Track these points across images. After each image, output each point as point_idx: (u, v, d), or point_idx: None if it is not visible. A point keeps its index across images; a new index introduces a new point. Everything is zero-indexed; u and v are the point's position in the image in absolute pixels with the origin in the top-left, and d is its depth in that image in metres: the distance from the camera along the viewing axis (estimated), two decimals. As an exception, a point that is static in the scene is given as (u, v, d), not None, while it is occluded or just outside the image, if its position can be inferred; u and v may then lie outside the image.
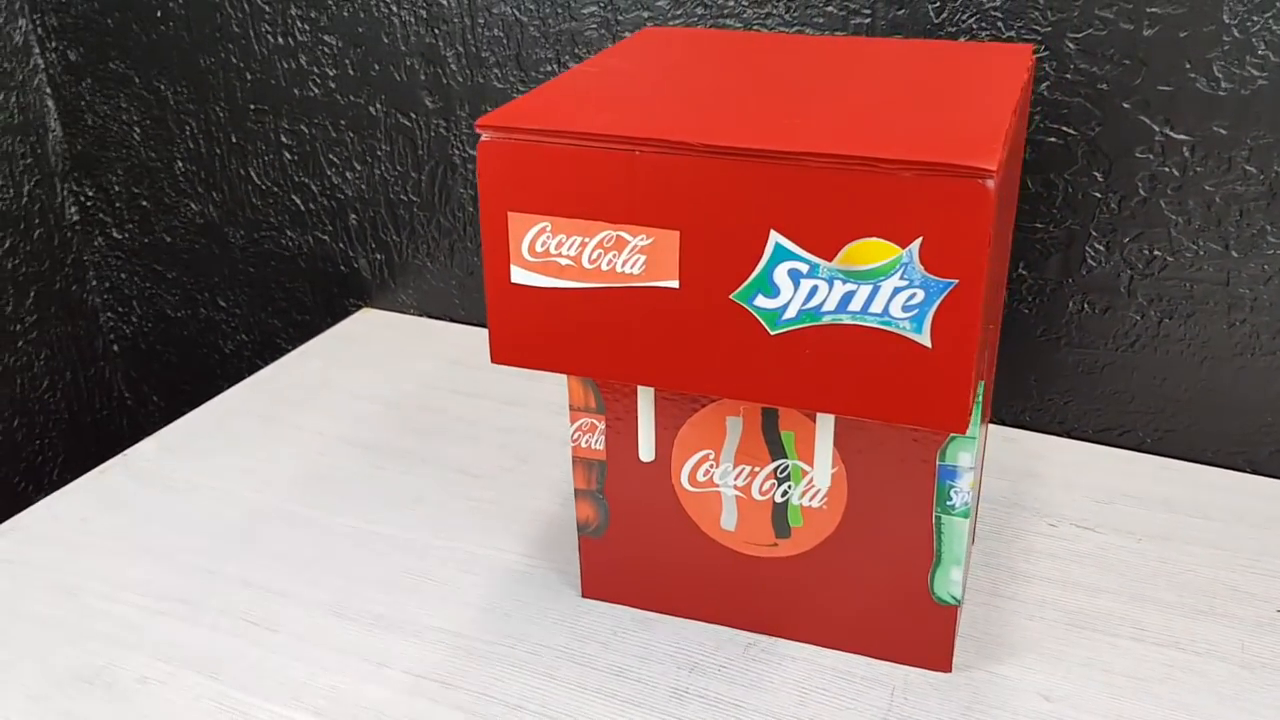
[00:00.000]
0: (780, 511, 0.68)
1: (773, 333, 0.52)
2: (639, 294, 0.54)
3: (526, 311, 0.56)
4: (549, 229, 0.54)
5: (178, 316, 1.33)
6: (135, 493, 0.88)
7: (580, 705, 0.67)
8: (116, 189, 1.28)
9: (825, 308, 0.51)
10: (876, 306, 0.50)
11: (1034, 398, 0.93)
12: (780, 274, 0.51)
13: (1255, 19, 0.75)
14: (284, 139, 1.15)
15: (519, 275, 0.55)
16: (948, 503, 0.64)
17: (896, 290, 0.50)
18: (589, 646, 0.71)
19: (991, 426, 0.94)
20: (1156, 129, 0.81)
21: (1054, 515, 0.83)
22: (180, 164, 1.23)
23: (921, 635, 0.68)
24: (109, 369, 1.41)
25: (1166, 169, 0.82)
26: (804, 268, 0.51)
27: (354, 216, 1.15)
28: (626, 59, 0.64)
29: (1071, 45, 0.81)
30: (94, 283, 1.36)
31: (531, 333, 0.57)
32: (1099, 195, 0.84)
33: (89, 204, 1.31)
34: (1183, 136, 0.80)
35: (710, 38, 0.70)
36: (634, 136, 0.51)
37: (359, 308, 1.20)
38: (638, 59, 0.64)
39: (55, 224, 1.31)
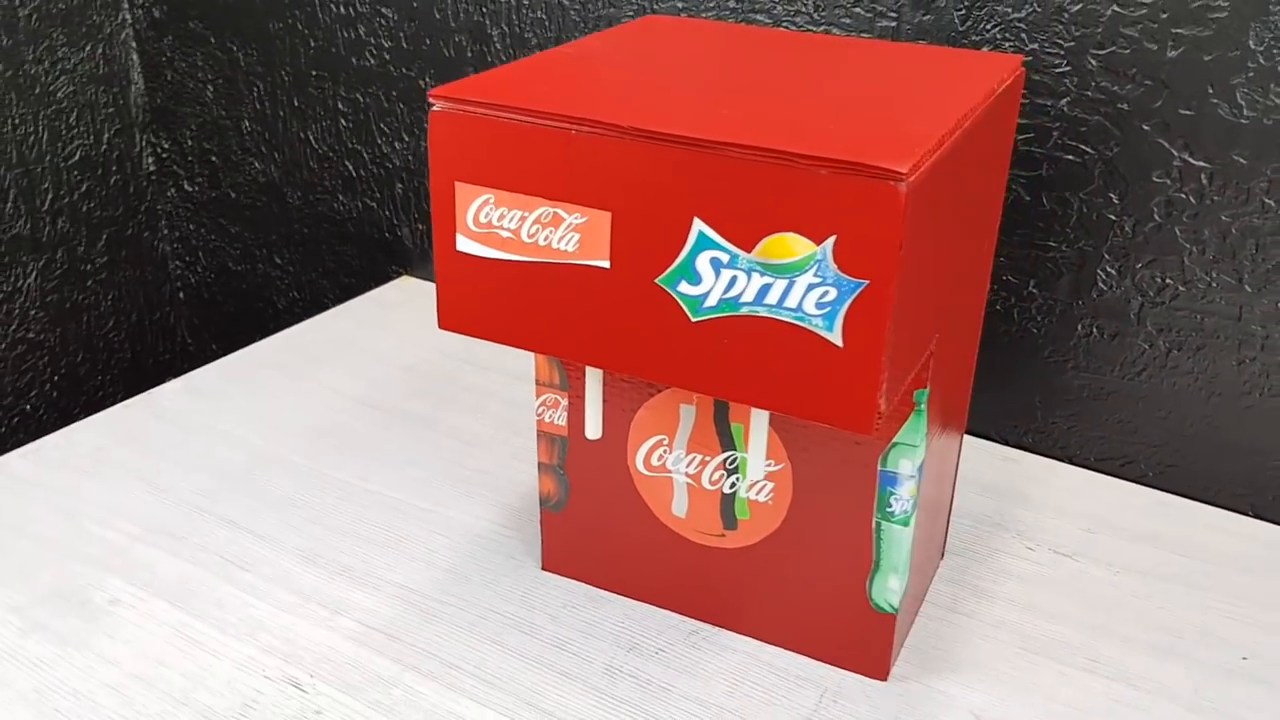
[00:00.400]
0: (728, 503, 0.68)
1: (694, 319, 0.53)
2: (573, 271, 0.55)
3: (472, 280, 0.58)
4: (492, 201, 0.55)
5: (238, 270, 1.39)
6: (152, 429, 0.93)
7: (514, 672, 0.68)
8: (189, 143, 1.34)
9: (744, 299, 0.52)
10: (791, 301, 0.51)
11: (1038, 419, 0.91)
12: (702, 262, 0.52)
13: (1282, 47, 0.73)
14: (341, 106, 1.19)
15: (464, 244, 0.57)
16: (888, 509, 0.64)
17: (810, 287, 0.50)
18: (537, 617, 0.73)
19: (990, 445, 0.92)
20: (1175, 153, 0.79)
21: (1034, 539, 0.82)
22: (247, 123, 1.28)
23: (859, 640, 0.68)
24: (174, 314, 1.48)
25: (1183, 195, 0.79)
26: (725, 257, 0.51)
27: (400, 186, 1.19)
28: (609, 43, 0.66)
29: (1094, 62, 0.79)
30: (165, 231, 1.43)
31: (476, 301, 0.58)
32: (1114, 217, 0.82)
33: (164, 156, 1.38)
34: (1201, 163, 0.78)
35: (707, 29, 0.70)
36: (571, 115, 0.52)
37: (400, 274, 1.24)
38: (620, 44, 0.65)
39: (132, 173, 1.37)
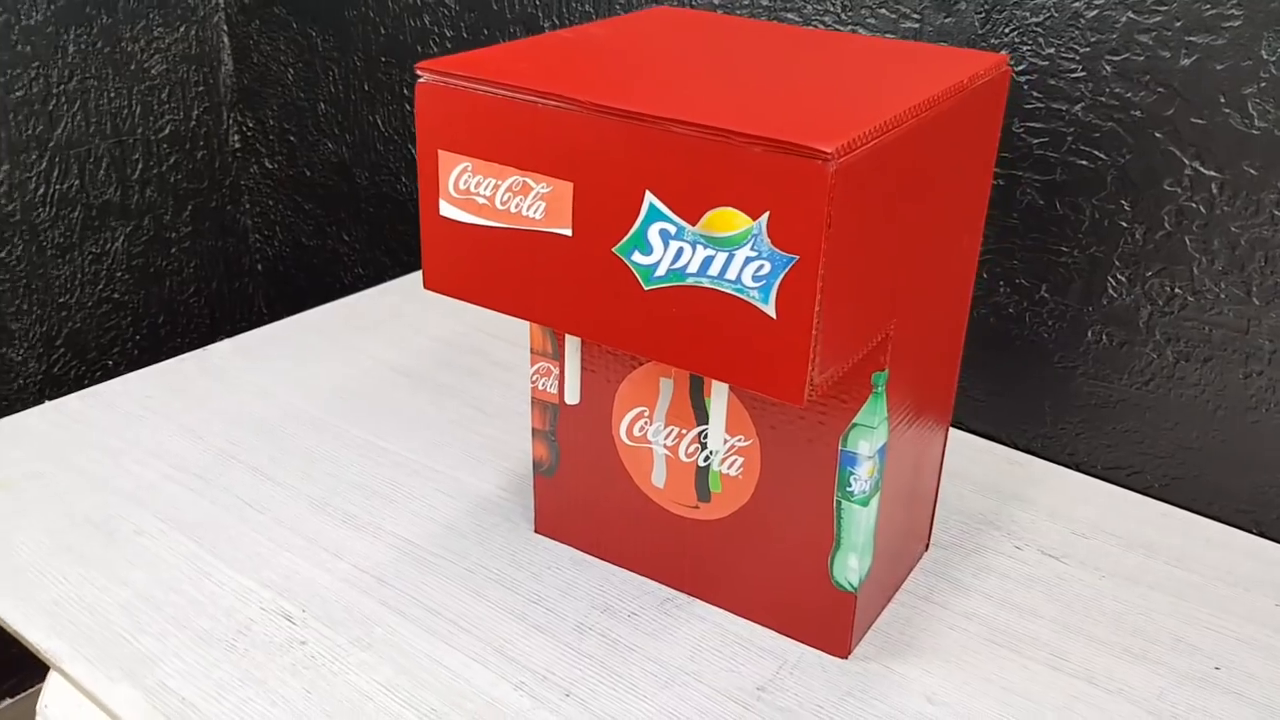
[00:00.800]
0: (703, 475, 0.71)
1: (646, 288, 0.56)
2: (539, 238, 0.58)
3: (453, 244, 0.62)
4: (470, 168, 0.59)
5: (310, 245, 1.46)
6: (198, 382, 0.99)
7: (489, 621, 0.72)
8: (271, 123, 1.42)
9: (689, 270, 0.54)
10: (731, 273, 0.53)
11: (1047, 425, 0.91)
12: (653, 233, 0.55)
13: (1293, 57, 0.72)
14: (406, 91, 1.24)
15: (446, 209, 0.61)
16: (848, 489, 0.66)
17: (748, 260, 0.52)
18: (520, 574, 0.77)
19: (998, 448, 0.93)
20: (1186, 162, 0.78)
21: (1024, 539, 0.82)
22: (322, 105, 1.35)
23: (821, 617, 0.70)
24: (252, 285, 1.56)
25: (1193, 205, 0.79)
26: (672, 229, 0.54)
27: (457, 169, 1.23)
28: (608, 29, 0.69)
29: (1109, 68, 0.79)
30: (246, 206, 1.51)
31: (457, 264, 0.62)
32: (1125, 224, 0.82)
33: (249, 134, 1.46)
34: (1212, 173, 0.78)
35: (708, 21, 0.73)
36: (539, 90, 0.56)
37: (454, 255, 1.29)
38: (618, 30, 0.69)
39: (218, 148, 1.46)
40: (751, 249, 0.52)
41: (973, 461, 0.91)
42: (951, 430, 0.95)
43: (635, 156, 0.54)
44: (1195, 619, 0.75)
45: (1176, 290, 0.82)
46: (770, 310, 0.53)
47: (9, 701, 1.42)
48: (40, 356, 1.36)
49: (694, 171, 0.52)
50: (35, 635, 0.70)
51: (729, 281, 0.53)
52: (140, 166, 1.38)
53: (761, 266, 0.52)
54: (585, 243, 0.57)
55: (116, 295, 1.41)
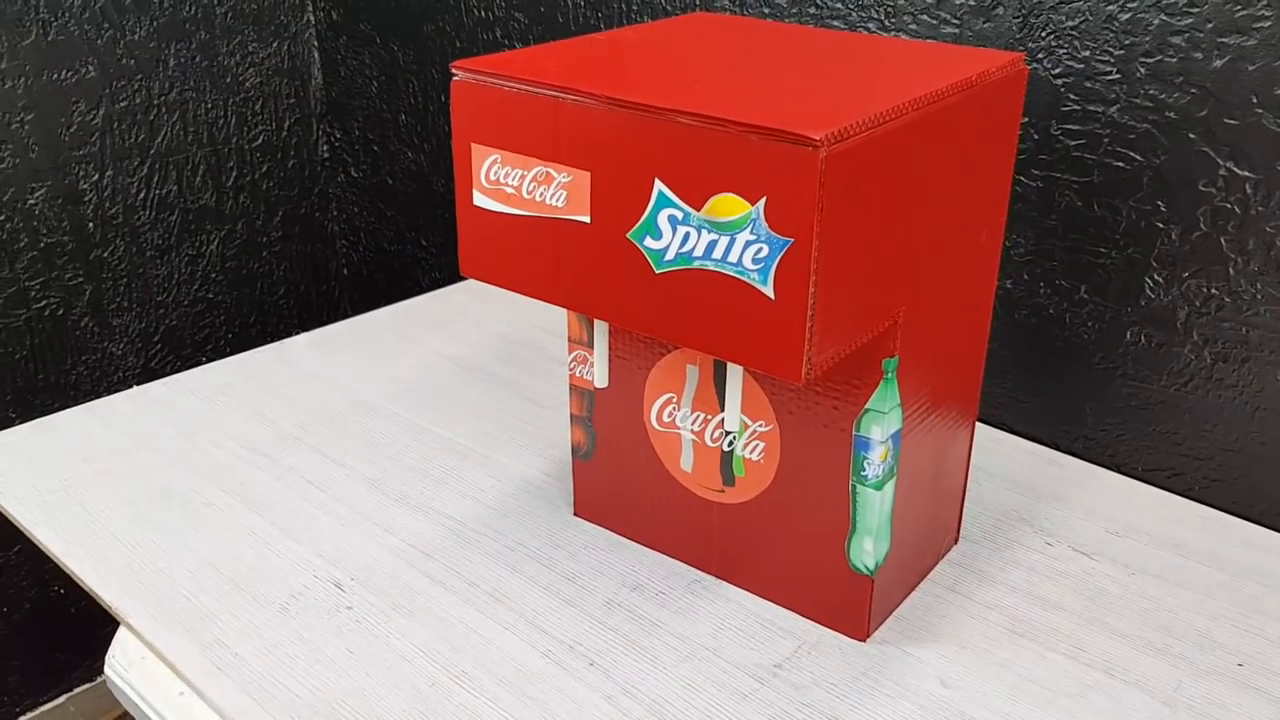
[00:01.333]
0: (727, 460, 0.74)
1: (657, 271, 0.59)
2: (561, 225, 0.62)
3: (485, 231, 0.66)
4: (499, 160, 0.63)
5: (392, 250, 1.53)
6: (273, 371, 1.06)
7: (524, 595, 0.76)
8: (357, 133, 1.49)
9: (695, 253, 0.57)
10: (733, 257, 0.56)
11: (1088, 425, 0.92)
12: (662, 219, 0.58)
13: (1326, 57, 0.73)
14: (479, 101, 1.30)
15: (479, 199, 0.65)
16: (862, 473, 0.68)
17: (748, 243, 0.56)
18: (557, 553, 0.80)
19: (1039, 448, 0.93)
20: (1220, 163, 0.79)
21: (1055, 536, 0.83)
22: (403, 116, 1.41)
23: (839, 600, 0.72)
24: (338, 289, 1.63)
25: (1228, 205, 0.79)
26: (680, 215, 0.57)
27: (526, 176, 1.29)
28: (641, 32, 0.73)
29: (1143, 70, 0.80)
30: (334, 213, 1.59)
31: (489, 250, 0.66)
32: (1161, 225, 0.83)
33: (336, 144, 1.53)
34: (1246, 173, 0.78)
35: (743, 25, 0.76)
36: (561, 85, 0.60)
37: (522, 259, 1.34)
38: (650, 34, 0.72)
39: (308, 158, 1.53)
40: (751, 233, 0.55)
41: (1013, 461, 0.92)
42: (994, 430, 0.96)
43: (645, 146, 0.57)
44: (1222, 616, 0.75)
45: (1213, 291, 0.82)
46: (769, 291, 0.56)
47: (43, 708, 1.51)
48: (139, 351, 1.44)
49: (698, 160, 0.56)
50: (108, 594, 0.76)
51: (731, 264, 0.56)
52: (234, 174, 1.46)
53: (760, 249, 0.55)
54: (602, 229, 0.61)
55: (210, 295, 1.49)
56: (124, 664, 0.73)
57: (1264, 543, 0.82)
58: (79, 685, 1.52)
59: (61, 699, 1.51)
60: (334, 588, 0.77)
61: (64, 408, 1.39)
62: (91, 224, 1.35)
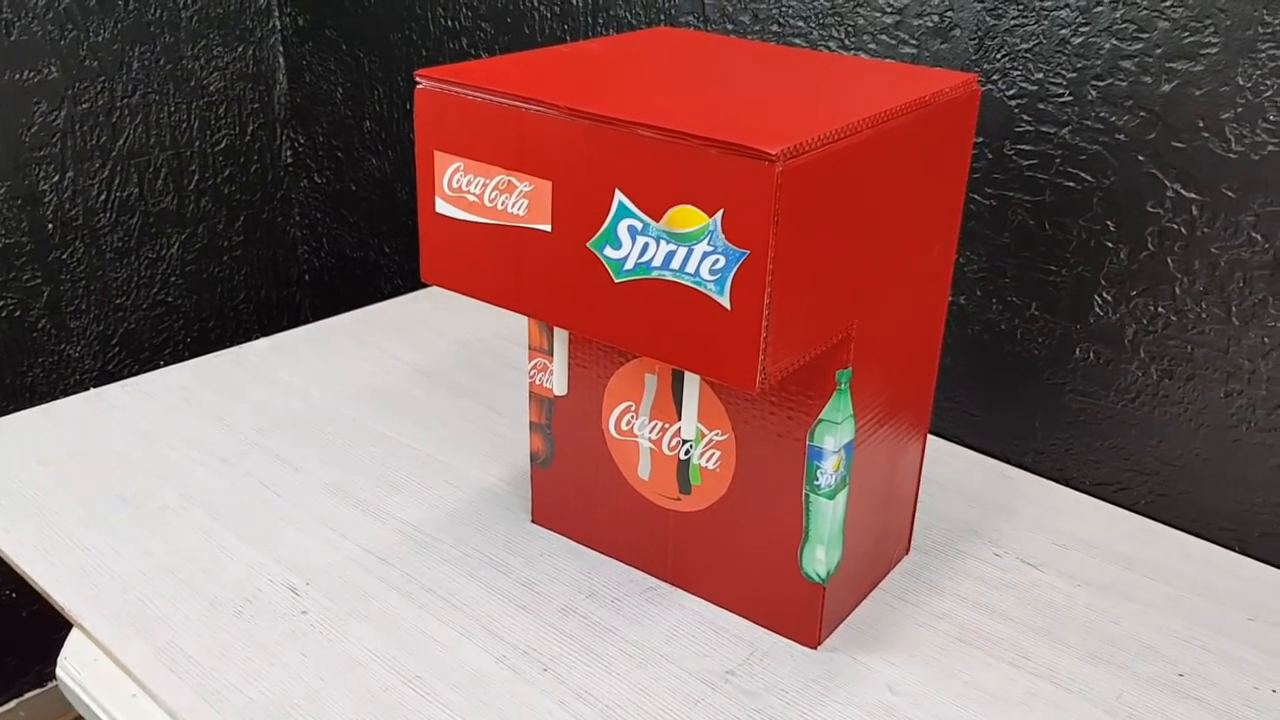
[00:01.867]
0: (684, 468, 0.75)
1: (616, 280, 0.60)
2: (523, 233, 0.63)
3: (447, 238, 0.67)
4: (462, 168, 0.64)
5: (354, 256, 1.52)
6: (233, 376, 1.05)
7: (479, 599, 0.76)
8: (321, 139, 1.49)
9: (654, 263, 0.58)
10: (691, 267, 0.57)
11: (1038, 440, 0.93)
12: (622, 229, 0.59)
13: (1268, 83, 0.75)
14: (444, 110, 1.30)
15: (441, 206, 0.66)
16: (815, 482, 0.69)
17: (705, 254, 0.57)
18: (514, 559, 0.81)
19: (991, 462, 0.95)
20: (1167, 184, 0.81)
21: (1004, 547, 0.84)
22: (368, 123, 1.41)
23: (792, 608, 0.73)
24: (299, 294, 1.63)
25: (1175, 226, 0.82)
26: (639, 225, 0.58)
27: (490, 185, 1.29)
28: (606, 45, 0.74)
29: (1094, 92, 0.82)
30: (296, 218, 1.58)
31: (451, 257, 0.67)
32: (1110, 245, 0.85)
33: (300, 150, 1.53)
34: (1192, 195, 0.80)
35: (705, 40, 0.78)
36: (523, 96, 0.61)
37: (485, 268, 1.34)
38: (615, 46, 0.73)
39: (271, 163, 1.53)
40: (708, 244, 0.56)
41: (965, 474, 0.94)
42: (947, 443, 0.98)
43: (605, 157, 0.58)
44: (1165, 629, 0.77)
45: (1160, 309, 0.84)
46: (725, 301, 0.57)
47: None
48: (96, 354, 1.43)
49: (657, 171, 0.57)
50: (61, 595, 0.76)
51: (689, 275, 0.57)
52: (196, 178, 1.46)
53: (717, 260, 0.56)
54: (563, 238, 0.61)
55: (170, 299, 1.49)
56: (76, 666, 0.73)
57: (1206, 557, 0.84)
58: (29, 690, 1.51)
59: (12, 704, 1.49)
60: (289, 592, 0.77)
61: (20, 409, 1.38)
62: (51, 225, 1.35)
